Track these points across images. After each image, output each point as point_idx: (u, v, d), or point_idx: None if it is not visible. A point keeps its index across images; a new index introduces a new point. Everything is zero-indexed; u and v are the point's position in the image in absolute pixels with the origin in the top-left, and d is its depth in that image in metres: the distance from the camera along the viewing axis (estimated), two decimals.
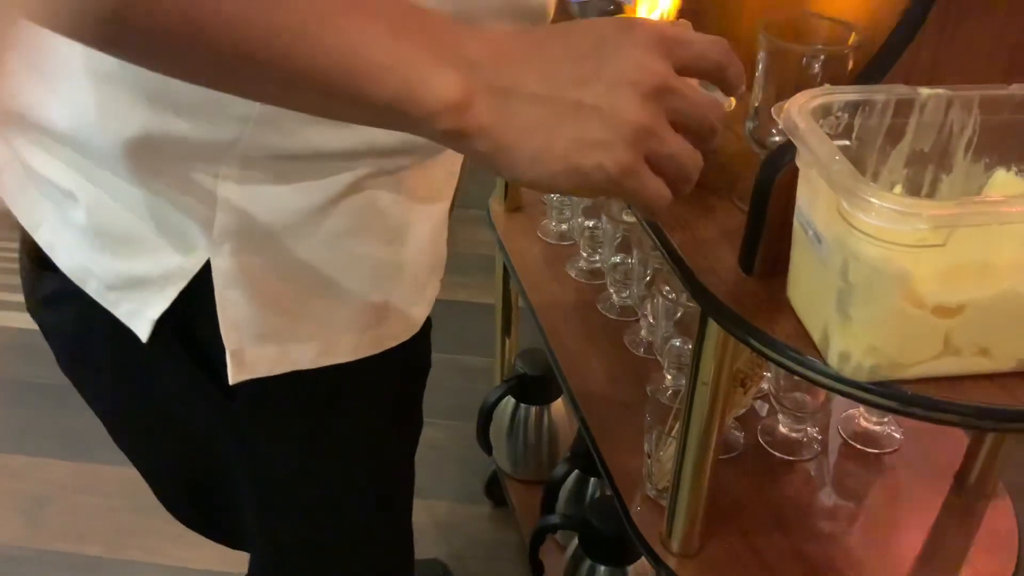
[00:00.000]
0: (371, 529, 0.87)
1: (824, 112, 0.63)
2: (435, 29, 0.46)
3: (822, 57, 0.72)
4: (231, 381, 0.65)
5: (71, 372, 0.78)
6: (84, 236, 0.64)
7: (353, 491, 0.82)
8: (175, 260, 0.62)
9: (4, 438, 1.86)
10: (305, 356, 0.67)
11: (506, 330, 1.60)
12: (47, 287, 0.71)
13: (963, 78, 0.65)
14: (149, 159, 0.59)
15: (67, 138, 0.61)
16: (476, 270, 2.21)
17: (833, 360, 0.62)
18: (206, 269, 0.62)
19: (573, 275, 1.32)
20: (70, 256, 0.67)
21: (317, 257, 0.65)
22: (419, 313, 0.75)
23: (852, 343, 0.60)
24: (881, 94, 0.63)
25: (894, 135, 0.65)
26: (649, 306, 1.13)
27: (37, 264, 0.70)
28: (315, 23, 0.43)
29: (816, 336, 0.64)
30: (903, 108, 0.64)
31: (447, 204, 0.74)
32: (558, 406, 1.54)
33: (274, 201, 0.61)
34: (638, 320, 1.20)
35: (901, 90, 0.64)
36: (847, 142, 0.64)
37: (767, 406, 1.05)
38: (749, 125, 0.80)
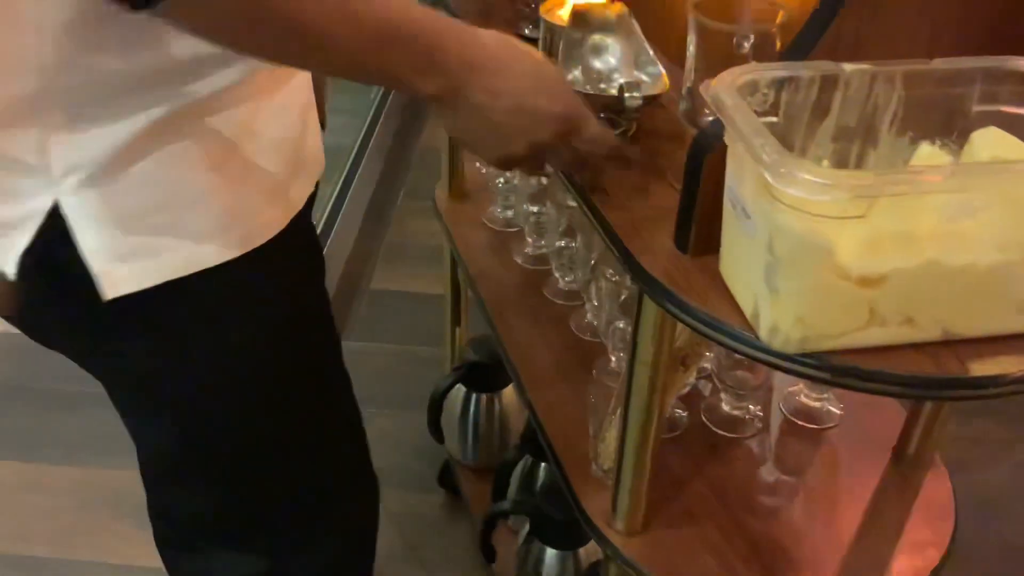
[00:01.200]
0: (269, 445, 0.89)
1: (751, 89, 0.64)
2: (427, 40, 0.67)
3: (751, 36, 0.73)
4: (105, 298, 0.71)
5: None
6: None
7: (235, 400, 0.84)
8: (30, 203, 0.69)
9: None
10: (171, 266, 0.73)
11: (456, 319, 1.60)
12: None
13: (887, 53, 0.66)
14: None
15: None
16: (425, 261, 2.21)
17: (764, 333, 0.63)
18: (58, 206, 0.69)
19: (519, 261, 1.32)
20: None
21: (163, 175, 0.70)
22: (282, 211, 0.79)
23: (780, 316, 0.61)
24: (806, 70, 0.64)
25: (820, 111, 0.66)
26: (594, 289, 1.13)
27: None
28: (365, 47, 0.65)
29: (747, 311, 0.65)
30: (828, 84, 0.65)
31: (301, 98, 0.80)
32: (508, 393, 1.54)
33: (106, 136, 0.67)
34: (583, 305, 1.21)
35: (826, 66, 0.65)
36: (774, 119, 0.65)
37: (710, 385, 1.06)
38: (682, 106, 0.81)
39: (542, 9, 0.89)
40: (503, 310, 1.24)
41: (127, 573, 1.55)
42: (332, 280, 2.14)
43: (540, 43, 0.90)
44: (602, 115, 0.84)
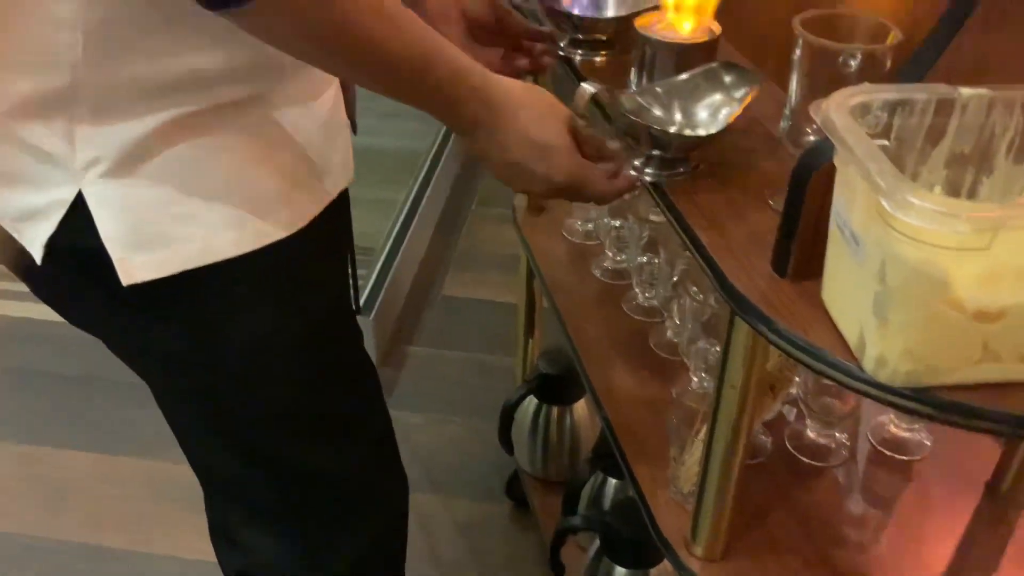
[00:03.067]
0: (296, 437, 0.91)
1: (863, 111, 0.61)
2: (456, 86, 0.74)
3: (859, 56, 0.71)
4: (124, 283, 0.74)
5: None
6: None
7: (260, 391, 0.86)
8: (55, 191, 0.73)
9: (26, 428, 1.87)
10: (187, 256, 0.75)
11: (529, 330, 1.59)
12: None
13: (1006, 79, 0.64)
14: (16, 119, 0.71)
15: None
16: (497, 269, 2.21)
17: (869, 365, 0.61)
18: (82, 195, 0.72)
19: (598, 275, 1.31)
20: None
21: (183, 168, 0.73)
22: (300, 212, 0.81)
23: (889, 347, 0.59)
24: (921, 93, 0.62)
25: (934, 135, 0.63)
26: (675, 307, 1.11)
27: None
28: (412, 64, 0.71)
29: (851, 340, 0.63)
30: (944, 108, 0.62)
31: (327, 103, 0.82)
32: (580, 407, 1.53)
33: (129, 130, 0.70)
34: (663, 321, 1.19)
35: (942, 90, 0.62)
36: (886, 142, 0.62)
37: (795, 411, 1.04)
38: (783, 125, 0.79)
39: (638, 23, 0.87)
40: (580, 323, 1.23)
41: (199, 568, 1.57)
42: (404, 285, 2.16)
43: (635, 58, 0.88)
44: (655, 152, 0.83)
